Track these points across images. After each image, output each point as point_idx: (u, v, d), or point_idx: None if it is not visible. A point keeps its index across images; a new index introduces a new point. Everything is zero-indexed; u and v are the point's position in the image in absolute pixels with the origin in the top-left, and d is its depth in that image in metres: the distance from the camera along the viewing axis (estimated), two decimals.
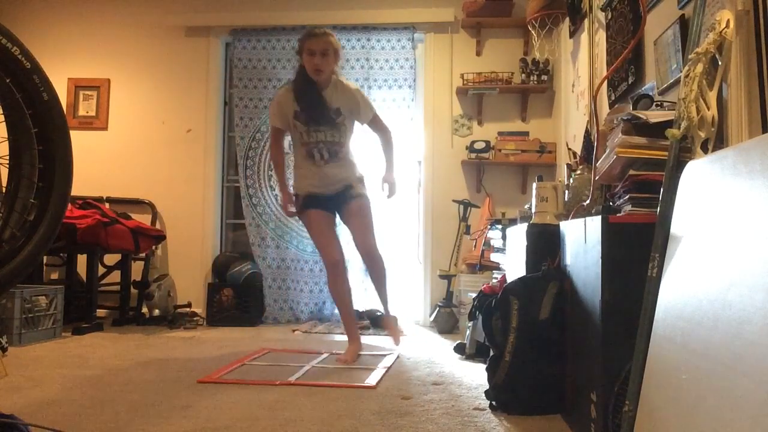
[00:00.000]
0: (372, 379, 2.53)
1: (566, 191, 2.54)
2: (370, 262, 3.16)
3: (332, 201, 3.12)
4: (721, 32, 1.53)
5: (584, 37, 3.46)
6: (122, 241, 4.07)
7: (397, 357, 3.10)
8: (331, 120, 3.03)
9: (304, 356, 3.05)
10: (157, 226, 4.65)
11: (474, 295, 2.97)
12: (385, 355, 3.13)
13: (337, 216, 3.20)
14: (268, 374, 2.61)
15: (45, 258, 4.34)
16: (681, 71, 1.72)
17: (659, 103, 2.00)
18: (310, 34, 2.98)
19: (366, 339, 3.73)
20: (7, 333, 3.20)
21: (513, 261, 2.74)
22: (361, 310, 4.31)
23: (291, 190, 3.23)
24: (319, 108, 3.00)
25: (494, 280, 3.37)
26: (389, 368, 2.79)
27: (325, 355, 3.07)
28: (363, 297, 4.45)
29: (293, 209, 3.16)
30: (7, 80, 1.90)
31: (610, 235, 1.57)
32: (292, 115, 3.05)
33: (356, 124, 3.19)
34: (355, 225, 3.11)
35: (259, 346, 3.34)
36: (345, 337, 3.23)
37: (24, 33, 3.42)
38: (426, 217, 4.57)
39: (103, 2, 4.88)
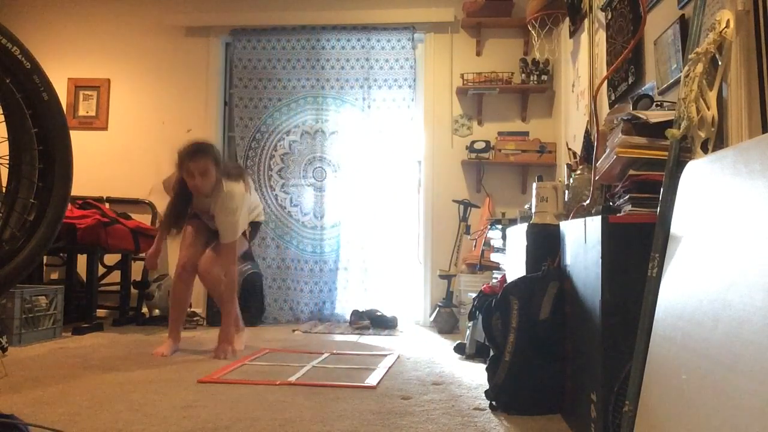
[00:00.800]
0: (372, 379, 2.53)
1: (566, 191, 2.54)
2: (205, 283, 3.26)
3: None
4: (721, 32, 1.53)
5: (584, 37, 3.46)
6: (122, 241, 4.07)
7: (398, 357, 3.10)
8: (207, 218, 3.19)
9: (304, 356, 3.05)
10: (157, 226, 4.64)
11: (474, 295, 2.97)
12: (385, 355, 3.13)
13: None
14: (269, 374, 2.61)
15: (45, 258, 4.34)
16: (681, 71, 1.72)
17: (659, 103, 2.00)
18: (188, 154, 3.00)
19: (366, 339, 3.74)
20: (7, 333, 3.19)
21: (513, 261, 2.74)
22: (361, 310, 4.32)
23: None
24: (186, 209, 3.17)
25: (494, 280, 3.37)
26: (390, 368, 2.79)
27: (325, 355, 3.07)
28: (363, 297, 4.45)
29: (154, 264, 3.31)
30: (7, 80, 1.90)
31: (610, 235, 1.57)
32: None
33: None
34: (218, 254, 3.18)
35: (259, 346, 3.34)
36: (345, 338, 3.24)
37: (24, 33, 3.43)
38: (426, 217, 4.58)
39: (103, 2, 4.88)
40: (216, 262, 3.14)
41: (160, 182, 4.38)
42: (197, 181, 2.99)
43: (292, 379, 2.51)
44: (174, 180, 3.18)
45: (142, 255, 4.43)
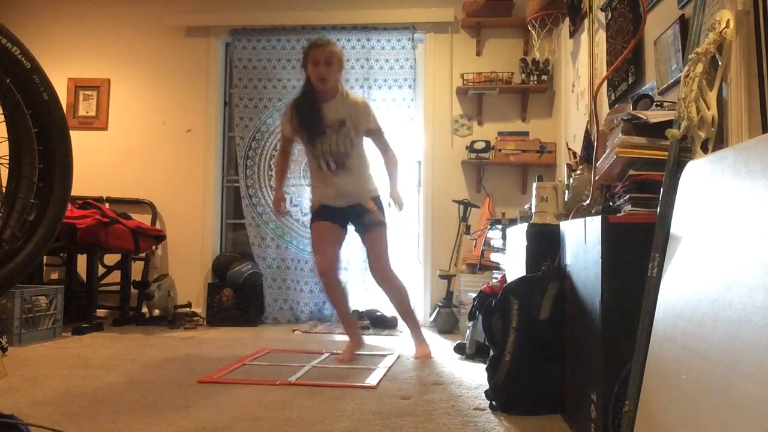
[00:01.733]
0: (372, 379, 2.53)
1: (566, 191, 2.54)
2: (384, 286, 3.17)
3: (344, 214, 3.10)
4: (721, 32, 1.53)
5: (584, 37, 3.46)
6: (122, 241, 4.07)
7: (398, 357, 3.10)
8: (333, 130, 3.00)
9: (304, 356, 3.05)
10: (157, 226, 4.65)
11: (474, 295, 2.97)
12: (385, 355, 3.13)
13: (349, 229, 3.19)
14: (269, 374, 2.61)
15: (45, 258, 4.34)
16: (681, 71, 1.72)
17: (659, 103, 2.00)
18: (314, 44, 2.98)
19: (366, 339, 3.73)
20: (7, 333, 3.20)
21: (513, 261, 2.74)
22: (361, 310, 4.31)
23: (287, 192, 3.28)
24: (322, 119, 2.99)
25: (494, 280, 3.37)
26: (389, 368, 2.78)
27: (325, 355, 3.07)
28: (363, 297, 4.45)
29: (284, 208, 3.24)
30: (7, 80, 1.90)
31: (610, 235, 1.57)
32: (297, 126, 3.06)
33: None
34: (370, 254, 3.13)
35: (259, 346, 3.34)
36: (345, 337, 3.23)
37: (24, 33, 3.43)
38: (426, 217, 4.58)
39: (103, 2, 4.88)
40: (382, 259, 3.07)
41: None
42: (322, 70, 2.91)
43: (293, 379, 2.51)
44: (290, 104, 3.10)
45: (142, 255, 4.44)
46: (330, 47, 2.96)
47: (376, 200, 3.13)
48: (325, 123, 2.98)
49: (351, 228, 3.20)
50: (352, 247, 4.49)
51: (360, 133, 3.08)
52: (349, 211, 3.10)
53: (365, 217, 3.07)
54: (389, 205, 3.17)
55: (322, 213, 3.09)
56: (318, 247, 3.07)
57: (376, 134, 3.14)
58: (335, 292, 3.11)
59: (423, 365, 2.93)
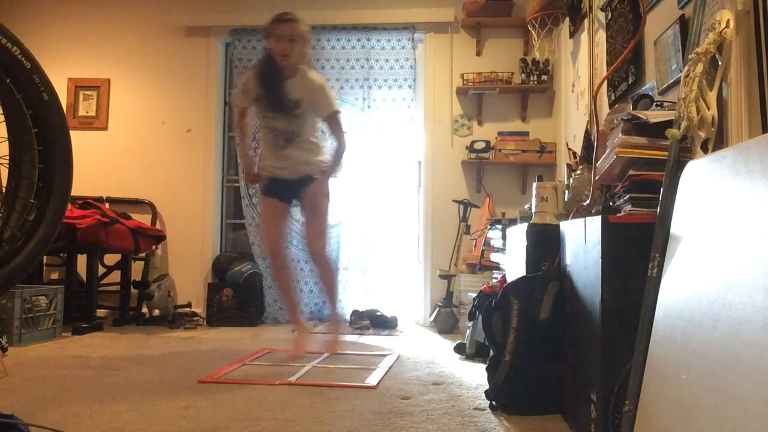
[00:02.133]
0: (372, 379, 2.53)
1: (566, 191, 2.54)
2: (315, 262, 3.18)
3: (292, 188, 3.11)
4: (721, 32, 1.53)
5: (584, 37, 3.46)
6: (122, 241, 4.07)
7: (398, 357, 3.10)
8: (288, 110, 3.00)
9: (305, 356, 3.04)
10: (157, 226, 4.65)
11: (474, 295, 2.97)
12: (385, 355, 3.13)
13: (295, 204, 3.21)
14: (269, 374, 2.61)
15: (45, 258, 4.34)
16: (681, 71, 1.72)
17: (659, 103, 2.00)
18: (278, 20, 2.96)
19: (366, 339, 3.74)
20: (7, 333, 3.20)
21: (513, 261, 2.74)
22: (361, 310, 4.32)
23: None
24: (279, 97, 2.99)
25: (494, 280, 3.37)
26: (390, 368, 2.78)
27: (325, 355, 3.07)
28: (363, 297, 4.45)
29: (254, 174, 3.25)
30: (7, 80, 1.90)
31: (610, 235, 1.57)
32: (254, 98, 3.07)
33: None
34: (307, 223, 3.13)
35: (259, 346, 3.34)
36: (345, 337, 3.23)
37: (24, 33, 3.42)
38: (426, 217, 4.57)
39: (103, 2, 4.88)
40: (316, 232, 3.06)
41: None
42: (285, 45, 2.90)
43: (293, 379, 2.51)
44: (248, 75, 3.11)
45: (142, 255, 4.44)
46: (294, 24, 2.94)
47: (324, 174, 3.11)
48: (288, 101, 2.99)
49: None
50: (353, 247, 4.50)
51: (318, 115, 3.08)
52: (296, 184, 3.09)
53: (310, 185, 3.06)
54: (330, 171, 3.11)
55: (271, 188, 3.13)
56: (266, 227, 3.13)
57: (333, 118, 3.08)
58: (282, 270, 3.15)
59: (433, 366, 2.93)
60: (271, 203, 3.13)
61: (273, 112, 3.02)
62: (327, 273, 3.18)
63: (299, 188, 3.09)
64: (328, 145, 3.27)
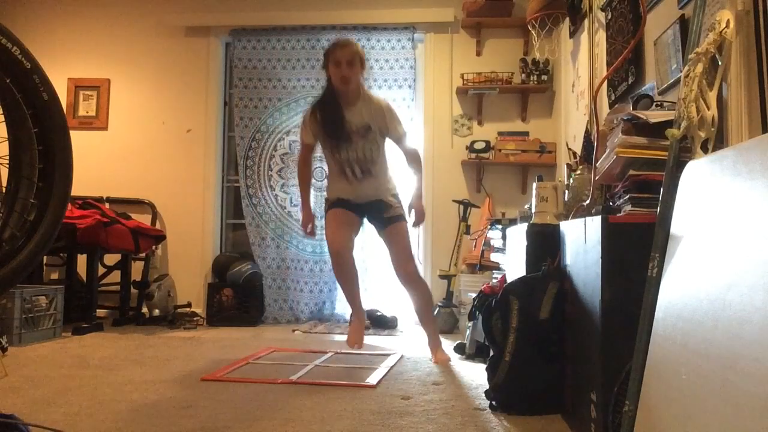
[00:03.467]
0: (373, 379, 2.53)
1: (566, 191, 2.54)
2: (408, 287, 3.05)
3: (362, 209, 3.03)
4: (721, 32, 1.53)
5: (584, 37, 3.46)
6: (122, 241, 4.07)
7: (401, 357, 3.09)
8: (360, 136, 2.91)
9: (308, 355, 3.05)
10: (157, 226, 4.65)
11: (474, 295, 2.97)
12: (387, 355, 3.13)
13: (364, 222, 3.11)
14: (272, 373, 2.62)
15: (45, 258, 4.34)
16: (681, 71, 1.72)
17: (659, 103, 2.00)
18: (335, 45, 2.92)
19: (366, 339, 3.73)
20: (7, 333, 3.19)
21: (513, 261, 2.74)
22: None
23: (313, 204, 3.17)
24: (343, 125, 2.90)
25: (494, 280, 3.37)
26: (391, 368, 2.78)
27: (329, 354, 3.07)
28: (363, 297, 4.43)
29: (311, 230, 3.13)
30: (7, 80, 1.90)
31: (610, 235, 1.57)
32: (319, 132, 2.97)
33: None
34: (393, 251, 3.00)
35: (260, 346, 3.34)
36: (344, 337, 3.22)
37: (24, 33, 3.42)
38: (426, 217, 4.56)
39: (103, 2, 4.88)
40: (407, 256, 2.94)
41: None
42: (344, 70, 2.82)
43: (294, 378, 2.51)
44: (309, 109, 3.00)
45: (142, 255, 4.44)
46: (351, 47, 2.89)
47: (396, 197, 3.05)
48: (350, 128, 2.89)
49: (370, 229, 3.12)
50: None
51: (386, 138, 2.99)
52: (367, 207, 3.01)
53: (385, 210, 2.98)
54: (409, 215, 3.05)
55: (338, 203, 3.00)
56: (331, 229, 2.96)
57: (402, 139, 3.02)
58: (347, 271, 2.99)
59: (433, 366, 2.92)
60: (339, 211, 2.98)
61: (345, 141, 2.90)
62: (422, 297, 3.06)
63: (370, 211, 3.01)
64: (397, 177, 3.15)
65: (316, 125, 2.95)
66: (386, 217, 2.98)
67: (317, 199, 4.58)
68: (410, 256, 2.99)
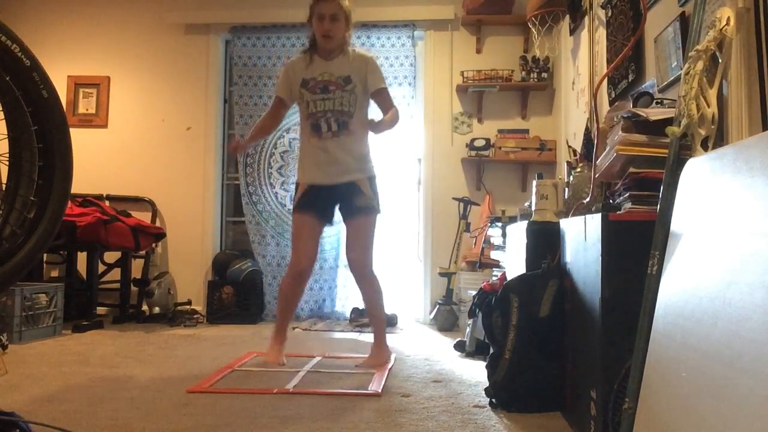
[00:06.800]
0: (375, 385, 2.39)
1: (566, 189, 2.54)
2: (356, 277, 2.89)
3: (332, 196, 2.83)
4: (721, 30, 1.53)
5: (584, 34, 3.46)
6: (122, 239, 4.07)
7: (395, 359, 3.07)
8: (338, 87, 2.78)
9: (296, 360, 2.90)
10: (157, 224, 4.65)
11: (474, 292, 2.97)
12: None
13: (335, 213, 2.93)
14: (262, 380, 2.48)
15: (45, 255, 4.34)
16: (681, 69, 1.72)
17: (659, 100, 2.00)
18: None
19: (366, 336, 3.73)
20: (7, 330, 3.20)
21: (513, 258, 2.74)
22: (361, 308, 4.31)
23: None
24: (327, 76, 2.78)
25: (494, 278, 3.37)
26: (390, 368, 2.77)
27: (317, 359, 2.95)
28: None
29: (235, 144, 2.99)
30: (7, 78, 1.90)
31: (610, 232, 1.57)
32: (300, 83, 2.82)
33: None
34: (350, 238, 2.84)
35: (260, 343, 3.33)
36: (344, 335, 3.23)
37: (24, 30, 3.41)
38: (426, 214, 4.57)
39: (103, 0, 4.87)
40: (364, 249, 2.77)
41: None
42: (326, 25, 2.70)
43: (290, 387, 2.35)
44: (290, 61, 2.89)
45: (142, 253, 4.44)
46: (336, 1, 2.74)
47: (372, 181, 2.84)
48: (329, 78, 2.78)
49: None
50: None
51: (367, 91, 2.83)
52: (338, 191, 2.81)
53: (356, 197, 2.78)
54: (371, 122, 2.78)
55: (306, 201, 2.81)
56: (302, 240, 2.83)
57: (382, 93, 2.84)
58: (296, 294, 2.91)
59: (433, 363, 2.92)
60: (305, 219, 2.82)
61: (322, 91, 2.77)
62: (372, 294, 2.88)
63: (341, 196, 2.82)
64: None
65: (299, 74, 2.82)
66: (357, 206, 2.79)
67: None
68: (366, 247, 2.81)
